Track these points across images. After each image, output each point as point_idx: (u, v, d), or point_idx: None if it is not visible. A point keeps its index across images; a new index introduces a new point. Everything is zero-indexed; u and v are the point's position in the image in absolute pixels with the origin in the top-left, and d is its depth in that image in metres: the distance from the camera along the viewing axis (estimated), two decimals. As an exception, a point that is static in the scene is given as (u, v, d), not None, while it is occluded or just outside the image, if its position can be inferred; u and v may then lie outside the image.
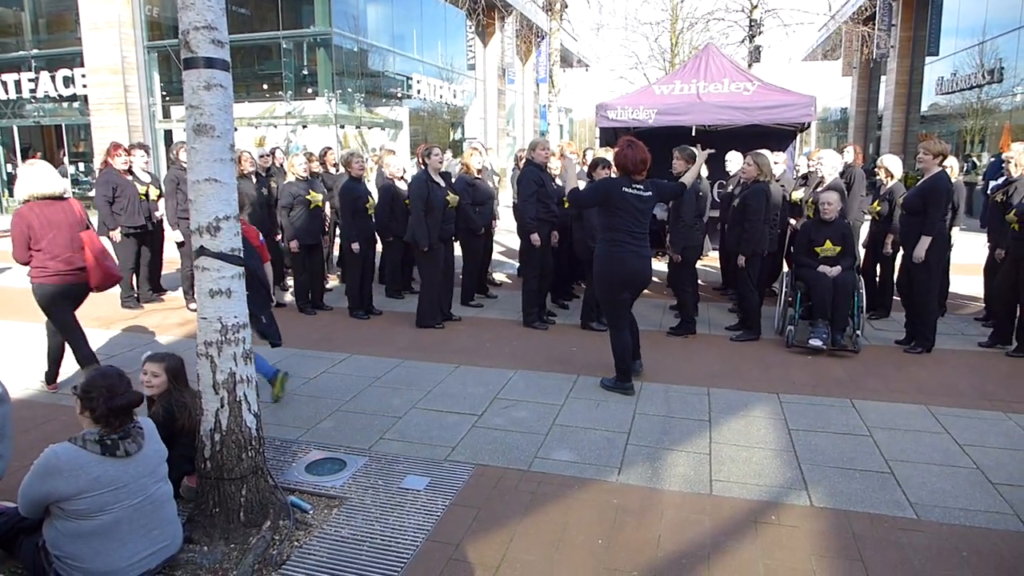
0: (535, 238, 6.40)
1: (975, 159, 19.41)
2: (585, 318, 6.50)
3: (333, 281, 8.62)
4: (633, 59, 26.76)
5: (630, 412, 4.47)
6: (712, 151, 5.39)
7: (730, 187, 7.24)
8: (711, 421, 4.35)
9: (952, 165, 6.39)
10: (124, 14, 17.34)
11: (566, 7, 12.49)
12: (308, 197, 6.90)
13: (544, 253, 6.54)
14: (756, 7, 15.01)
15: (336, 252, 8.37)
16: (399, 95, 21.50)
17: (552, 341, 6.15)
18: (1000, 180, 6.81)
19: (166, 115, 18.75)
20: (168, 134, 18.69)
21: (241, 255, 3.06)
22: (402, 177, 7.47)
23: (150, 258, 7.71)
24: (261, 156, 8.39)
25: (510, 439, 4.06)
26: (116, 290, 7.66)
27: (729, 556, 2.95)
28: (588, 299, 6.52)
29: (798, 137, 10.02)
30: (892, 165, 6.60)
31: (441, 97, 23.47)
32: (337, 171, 8.49)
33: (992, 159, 13.18)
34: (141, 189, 7.39)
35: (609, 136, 9.34)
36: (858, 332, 5.77)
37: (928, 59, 22.89)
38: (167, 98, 18.70)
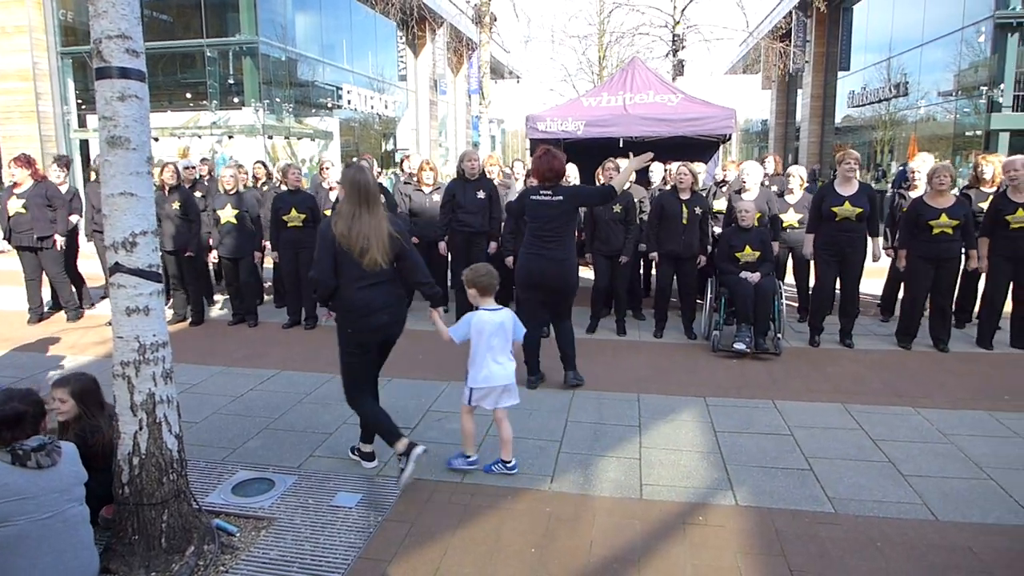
0: (441, 247, 6.85)
1: (884, 168, 20.49)
2: None
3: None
4: (563, 71, 27.16)
5: (562, 420, 4.52)
6: (650, 155, 5.33)
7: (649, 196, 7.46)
8: (641, 426, 4.44)
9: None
10: (35, 18, 16.56)
11: (495, 20, 12.61)
12: (218, 213, 6.82)
13: (461, 262, 6.67)
14: (679, 23, 15.51)
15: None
16: (329, 105, 21.20)
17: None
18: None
19: (82, 124, 17.97)
20: (84, 144, 17.91)
21: (159, 271, 2.96)
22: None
23: (56, 274, 7.35)
24: (186, 168, 8.15)
25: (444, 451, 4.04)
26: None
27: (658, 558, 3.01)
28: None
29: (720, 148, 10.37)
30: (802, 174, 7.00)
31: (372, 108, 23.28)
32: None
33: (900, 168, 13.95)
34: (13, 207, 7.00)
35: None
36: (779, 335, 6.01)
37: (840, 74, 24.11)
38: (83, 106, 17.92)
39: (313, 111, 20.59)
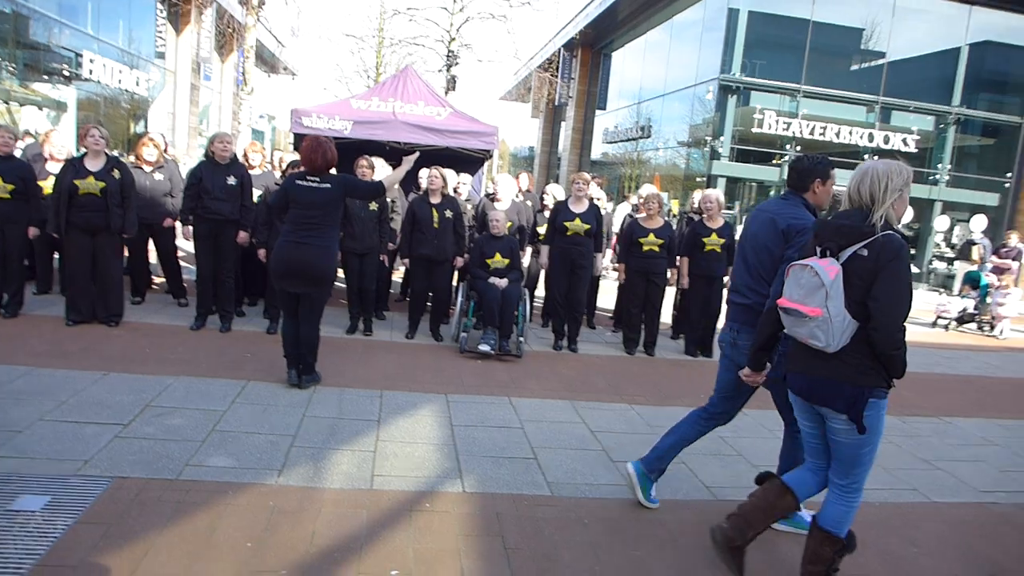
0: (187, 231, 6.21)
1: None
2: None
3: None
4: (339, 71, 26.63)
5: (299, 416, 4.37)
6: (417, 154, 5.39)
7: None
8: (380, 421, 4.44)
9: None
10: None
11: (264, 4, 11.95)
12: None
13: (205, 252, 6.19)
14: (454, 40, 16.01)
15: None
16: (66, 73, 18.55)
17: (225, 346, 5.77)
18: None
19: None
20: None
21: None
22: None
23: None
24: None
25: (159, 448, 3.70)
26: None
27: (382, 545, 3.02)
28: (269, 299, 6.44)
29: (485, 164, 10.81)
30: (558, 194, 7.54)
31: (120, 83, 20.79)
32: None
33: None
34: None
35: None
36: (522, 339, 6.38)
37: (598, 112, 26.48)
38: None
39: (45, 77, 17.89)
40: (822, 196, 3.35)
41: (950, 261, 17.05)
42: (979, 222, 14.50)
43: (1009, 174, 17.14)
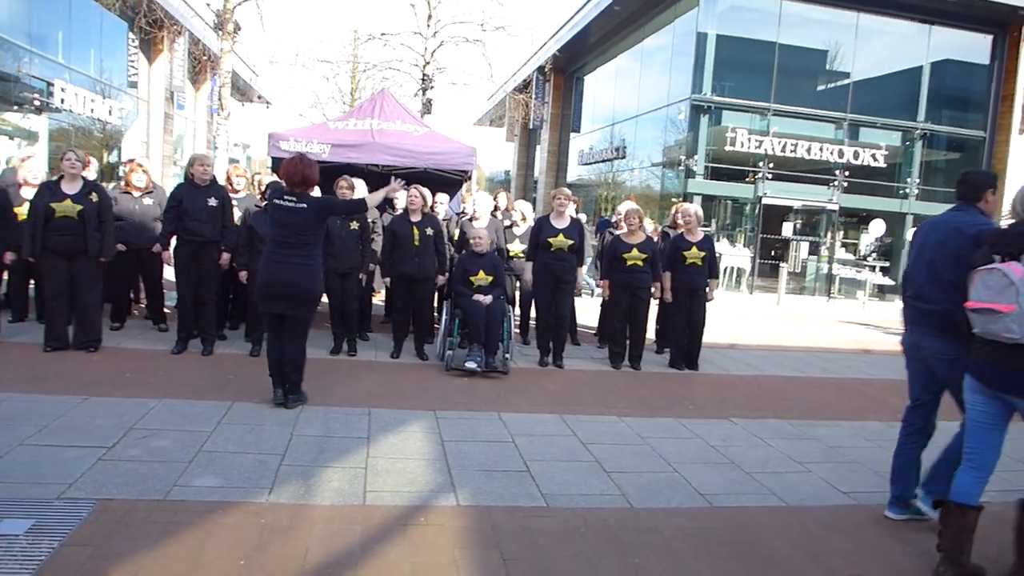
0: (166, 255, 6.25)
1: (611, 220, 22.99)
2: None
3: None
4: (314, 97, 26.60)
5: (287, 434, 4.30)
6: (403, 182, 5.47)
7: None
8: (369, 438, 4.39)
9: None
10: None
11: (239, 29, 11.96)
12: None
13: (186, 275, 6.11)
14: (428, 64, 16.12)
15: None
16: (36, 103, 18.35)
17: (208, 369, 5.69)
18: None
19: None
20: None
21: None
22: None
23: None
24: None
25: (145, 469, 3.62)
26: None
27: (377, 559, 2.97)
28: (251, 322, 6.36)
29: (463, 186, 10.85)
30: (526, 210, 7.61)
31: (93, 112, 20.63)
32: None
33: (600, 219, 15.72)
34: None
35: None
36: (507, 355, 6.37)
37: (572, 134, 26.79)
38: None
39: (15, 107, 17.68)
40: (992, 204, 3.64)
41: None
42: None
43: (975, 187, 17.57)
